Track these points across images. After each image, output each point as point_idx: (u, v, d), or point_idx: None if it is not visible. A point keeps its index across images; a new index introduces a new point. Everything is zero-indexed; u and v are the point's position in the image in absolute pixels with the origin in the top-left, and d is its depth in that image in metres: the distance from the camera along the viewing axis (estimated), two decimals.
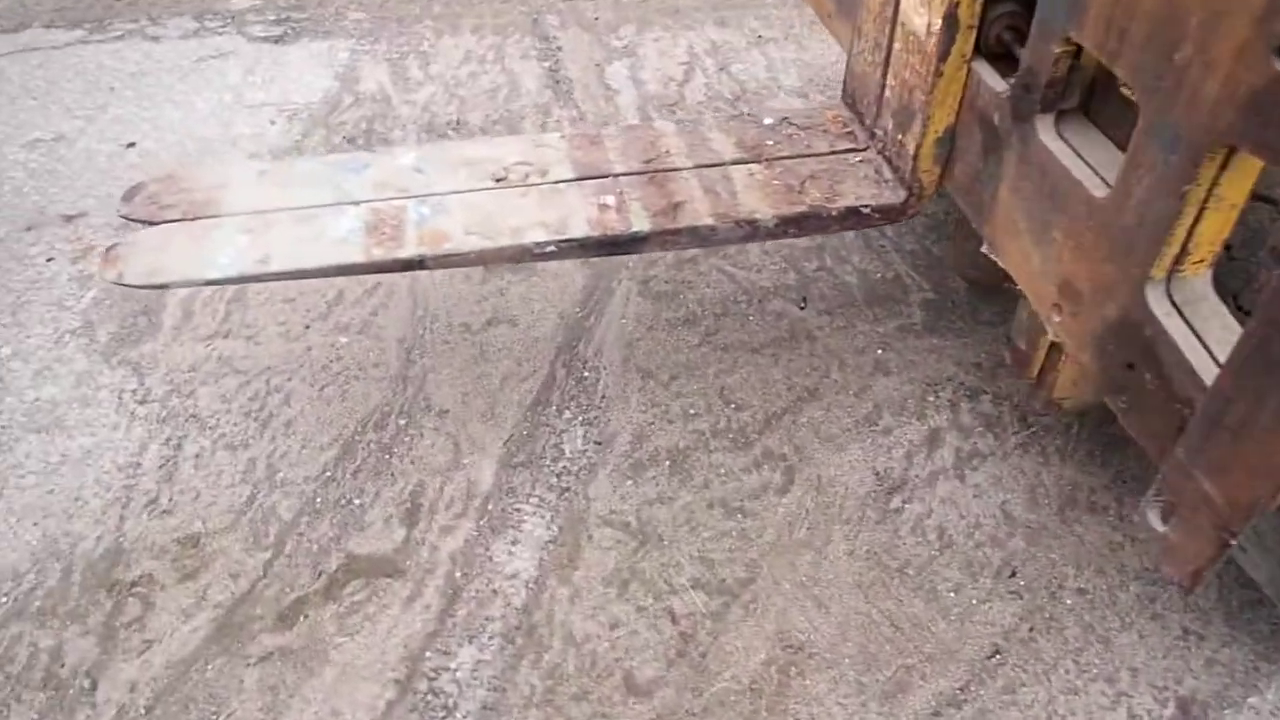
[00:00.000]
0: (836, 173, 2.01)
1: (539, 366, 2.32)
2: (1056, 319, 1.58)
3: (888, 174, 1.99)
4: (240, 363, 2.31)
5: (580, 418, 2.20)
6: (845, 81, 2.17)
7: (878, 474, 2.08)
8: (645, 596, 1.86)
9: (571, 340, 2.38)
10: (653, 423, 2.19)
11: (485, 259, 1.85)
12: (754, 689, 1.73)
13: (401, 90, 3.31)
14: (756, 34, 3.66)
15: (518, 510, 2.01)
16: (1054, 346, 1.81)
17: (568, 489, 2.05)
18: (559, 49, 3.57)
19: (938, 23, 1.68)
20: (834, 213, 1.92)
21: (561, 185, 1.98)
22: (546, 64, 3.48)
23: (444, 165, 2.02)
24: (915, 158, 1.87)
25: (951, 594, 1.88)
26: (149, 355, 2.33)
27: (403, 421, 2.18)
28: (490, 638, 1.80)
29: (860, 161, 2.04)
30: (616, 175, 2.01)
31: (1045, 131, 1.54)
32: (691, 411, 2.21)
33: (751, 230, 1.91)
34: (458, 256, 1.83)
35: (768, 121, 2.17)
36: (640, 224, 1.88)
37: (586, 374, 2.30)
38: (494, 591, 1.87)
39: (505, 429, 2.17)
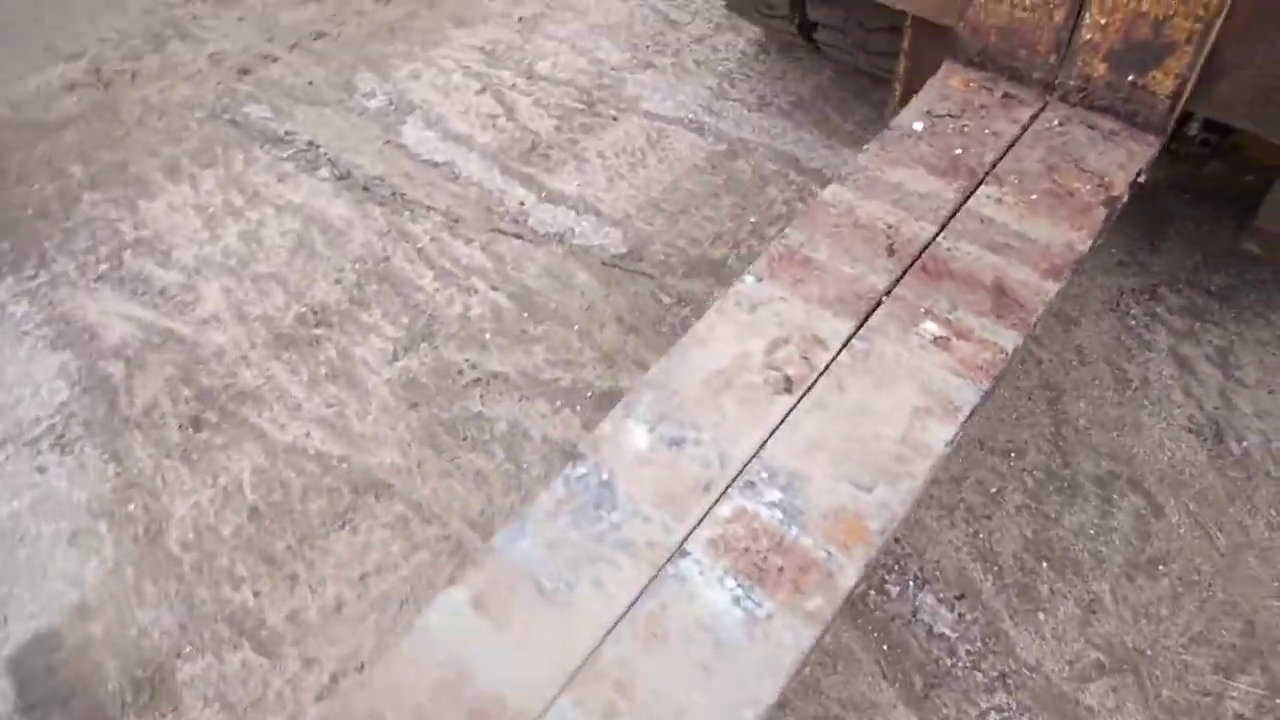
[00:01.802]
0: (1063, 152, 1.62)
1: None
2: None
3: (1111, 125, 1.64)
4: None
5: (909, 582, 1.68)
6: (962, 40, 1.73)
7: (1192, 429, 1.86)
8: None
9: None
10: (970, 539, 1.73)
11: (916, 499, 1.23)
12: None
13: (178, 313, 2.18)
14: (515, 18, 2.93)
15: None
16: None
17: (1001, 674, 1.57)
18: (313, 145, 2.57)
19: None
20: (1120, 199, 1.55)
21: (860, 345, 1.36)
22: (321, 171, 2.49)
23: (690, 401, 1.29)
24: (1175, 95, 1.54)
25: None
26: None
27: None
28: None
29: (1060, 124, 1.66)
30: (889, 291, 1.43)
31: None
32: (991, 490, 1.79)
33: (1078, 267, 1.48)
34: (895, 527, 1.19)
35: (917, 127, 1.68)
36: (1007, 339, 1.36)
37: None
38: None
39: (860, 652, 1.59)
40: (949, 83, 1.75)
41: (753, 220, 2.27)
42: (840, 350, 1.36)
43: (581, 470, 1.25)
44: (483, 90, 2.68)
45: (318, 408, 1.97)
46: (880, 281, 1.44)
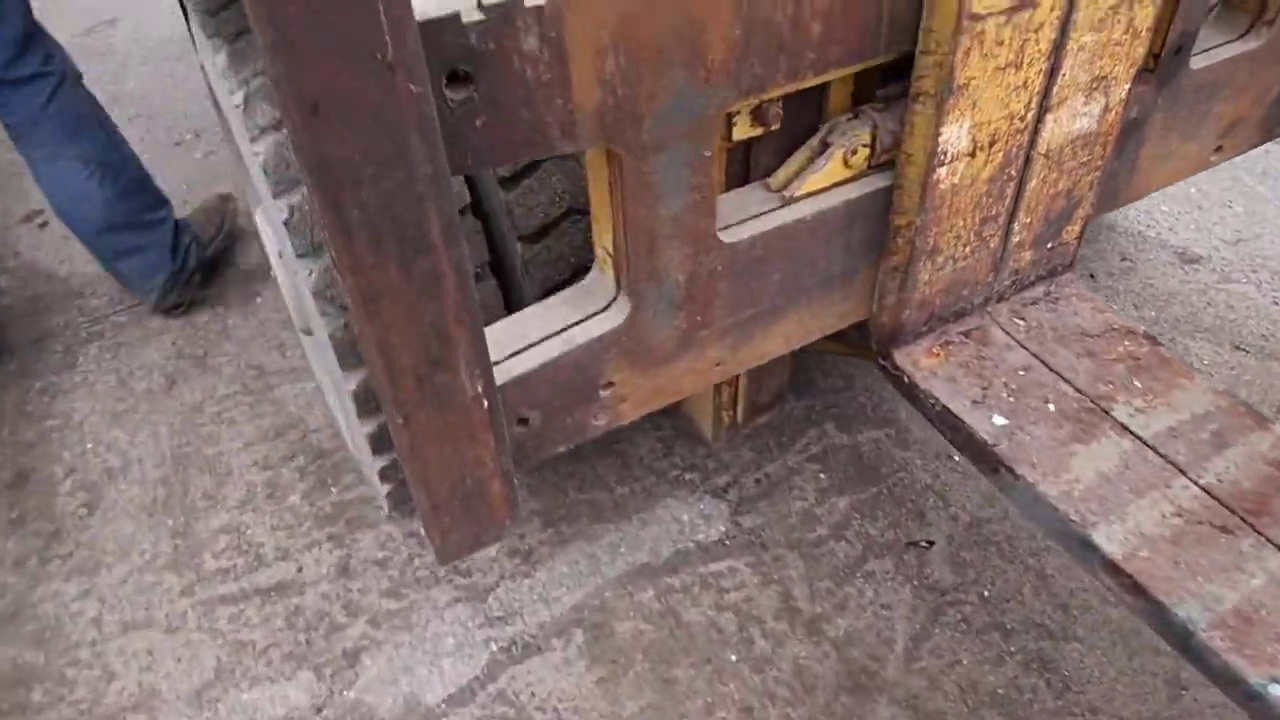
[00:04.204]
0: (1065, 339, 1.54)
1: None
2: None
3: (1043, 289, 1.61)
4: None
5: None
6: (907, 326, 1.48)
7: None
8: None
9: None
10: None
11: None
12: None
13: None
14: None
15: None
16: None
17: None
18: None
19: (1121, 93, 1.38)
20: (1146, 330, 1.56)
21: None
22: None
23: None
24: (1080, 234, 1.58)
25: None
26: None
27: None
28: None
29: (1021, 321, 1.57)
30: None
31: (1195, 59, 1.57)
32: None
33: None
34: None
35: (999, 421, 1.41)
36: None
37: None
38: None
39: None
40: (924, 364, 1.50)
41: (733, 659, 1.70)
42: None
43: None
44: None
45: None
46: None
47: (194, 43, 2.14)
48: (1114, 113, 1.41)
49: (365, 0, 0.76)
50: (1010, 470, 1.35)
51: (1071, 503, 1.30)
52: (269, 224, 1.67)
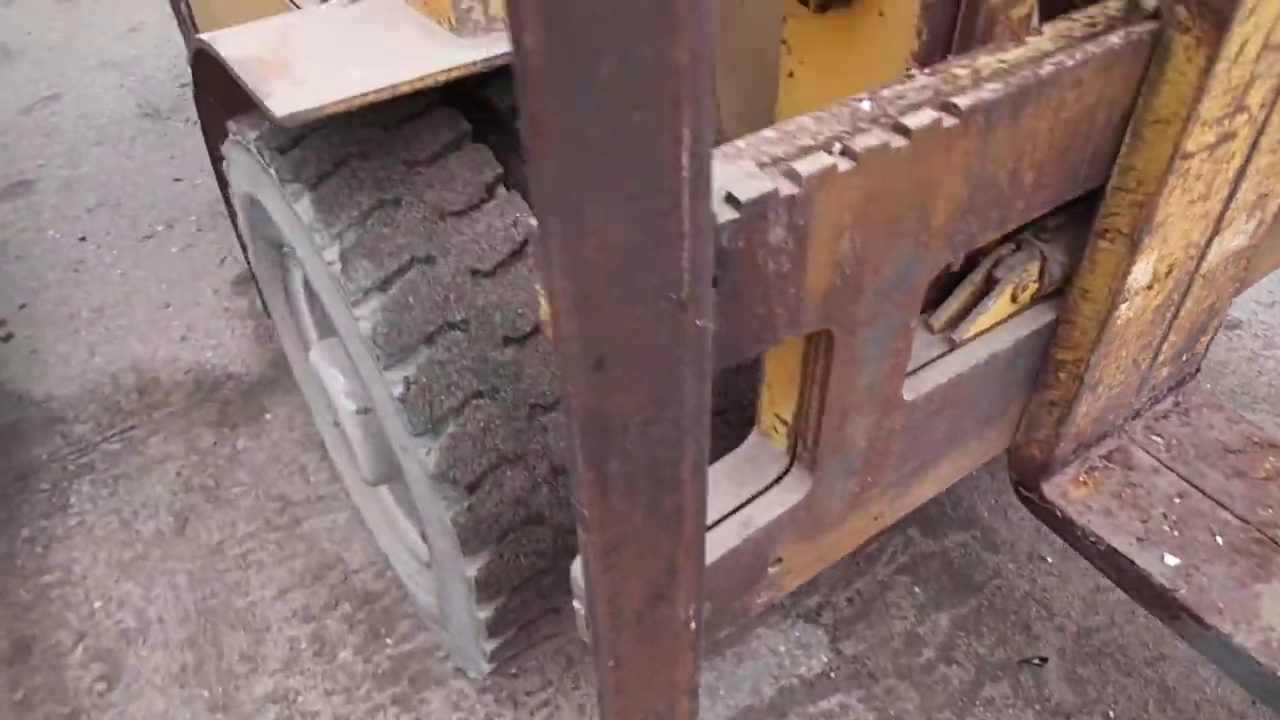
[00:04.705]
0: (1208, 456, 1.46)
1: None
2: None
3: (1173, 399, 1.54)
4: None
5: None
6: (1058, 460, 1.38)
7: None
8: None
9: None
10: None
11: None
12: None
13: None
14: None
15: None
16: None
17: None
18: None
19: (1275, 206, 1.32)
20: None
21: None
22: None
23: None
24: (1208, 346, 1.52)
25: None
26: None
27: None
28: None
29: (1162, 439, 1.49)
30: None
31: None
32: None
33: None
34: None
35: (1172, 561, 1.31)
36: None
37: None
38: None
39: None
40: (1074, 496, 1.40)
41: None
42: None
43: None
44: None
45: None
46: None
47: (224, 180, 1.79)
48: (1264, 226, 1.34)
49: (673, 236, 0.62)
50: (1197, 619, 1.26)
51: (1274, 656, 1.21)
52: (333, 373, 1.49)
